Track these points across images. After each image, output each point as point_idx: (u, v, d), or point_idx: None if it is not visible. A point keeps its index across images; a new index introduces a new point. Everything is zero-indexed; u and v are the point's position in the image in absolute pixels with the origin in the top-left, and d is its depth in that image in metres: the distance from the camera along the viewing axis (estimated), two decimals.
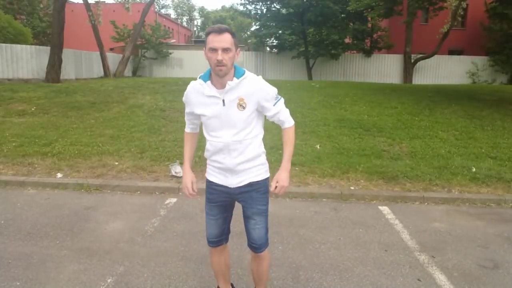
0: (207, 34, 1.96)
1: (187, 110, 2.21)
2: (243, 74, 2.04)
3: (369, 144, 6.78)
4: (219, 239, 2.32)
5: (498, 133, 7.69)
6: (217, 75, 1.98)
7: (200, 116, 2.13)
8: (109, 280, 2.85)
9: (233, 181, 2.14)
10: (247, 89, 2.03)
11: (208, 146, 2.15)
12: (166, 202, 4.52)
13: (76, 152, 6.07)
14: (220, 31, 1.92)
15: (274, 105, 2.10)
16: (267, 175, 2.23)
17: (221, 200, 2.23)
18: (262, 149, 2.18)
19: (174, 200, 4.60)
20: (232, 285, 2.61)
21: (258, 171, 2.17)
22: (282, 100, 2.15)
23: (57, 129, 7.34)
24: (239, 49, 2.04)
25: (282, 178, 2.13)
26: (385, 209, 4.49)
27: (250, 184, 2.16)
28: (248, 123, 2.07)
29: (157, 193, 4.87)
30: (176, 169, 5.27)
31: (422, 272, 3.08)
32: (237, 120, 2.04)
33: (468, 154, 6.39)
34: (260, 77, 2.10)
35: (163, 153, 6.07)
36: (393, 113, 8.97)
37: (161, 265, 3.09)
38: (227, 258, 2.46)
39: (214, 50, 1.92)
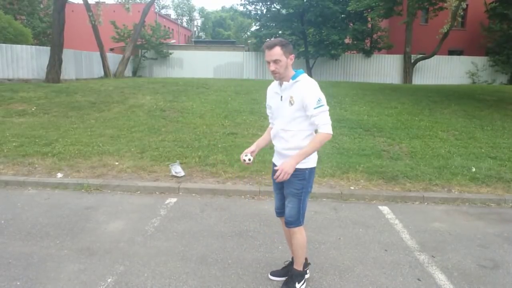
0: (263, 48, 2.49)
1: (267, 101, 2.74)
2: (297, 77, 2.49)
3: (369, 144, 6.79)
4: (281, 210, 2.76)
5: (498, 133, 7.70)
6: (281, 85, 2.54)
7: (270, 106, 2.68)
8: (109, 280, 2.85)
9: (280, 163, 2.51)
10: (296, 90, 2.47)
11: (272, 129, 2.68)
12: (166, 202, 4.53)
13: (76, 152, 6.07)
14: (270, 47, 2.43)
15: (314, 108, 2.41)
16: (308, 166, 2.55)
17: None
18: (306, 142, 2.48)
19: (174, 200, 4.61)
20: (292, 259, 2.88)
21: None
22: (326, 107, 2.43)
23: (57, 129, 7.34)
24: (292, 55, 2.50)
25: (285, 163, 2.41)
26: (385, 209, 4.49)
27: None
28: (294, 118, 2.48)
29: (157, 193, 4.87)
30: (176, 169, 5.27)
31: (422, 272, 3.08)
32: (287, 113, 2.51)
33: (468, 154, 6.40)
34: (312, 81, 2.48)
35: (163, 153, 6.07)
36: (393, 113, 8.97)
37: (161, 265, 3.09)
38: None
39: (267, 62, 2.47)
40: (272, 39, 2.52)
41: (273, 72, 2.46)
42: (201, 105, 9.46)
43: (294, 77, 2.50)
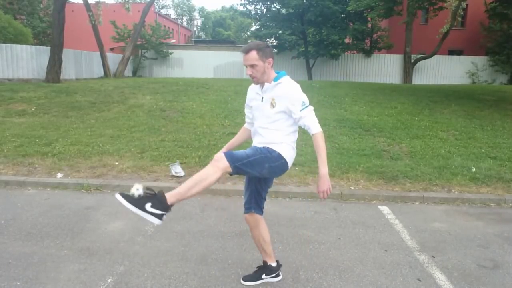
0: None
1: (246, 102, 2.76)
2: (279, 79, 2.49)
3: (369, 144, 6.79)
4: (248, 206, 2.77)
5: (498, 133, 7.70)
6: (262, 87, 2.54)
7: (251, 106, 2.68)
8: (109, 280, 2.85)
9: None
10: (279, 92, 2.47)
11: (251, 129, 2.71)
12: None
13: (76, 152, 6.07)
14: (246, 51, 2.46)
15: (300, 110, 2.42)
16: (280, 151, 2.47)
17: None
18: (282, 140, 2.49)
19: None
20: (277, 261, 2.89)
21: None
22: (310, 108, 2.47)
23: (57, 129, 7.34)
24: (270, 59, 2.48)
25: (322, 179, 2.42)
26: (385, 209, 4.50)
27: None
28: (275, 120, 2.48)
29: None
30: (176, 169, 5.27)
31: (422, 272, 3.08)
32: (267, 114, 2.50)
33: (468, 154, 6.40)
34: (294, 83, 2.48)
35: (163, 153, 6.07)
36: (393, 113, 8.97)
37: (161, 265, 3.09)
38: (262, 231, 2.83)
39: (245, 66, 2.50)
40: (250, 42, 2.58)
41: (250, 76, 2.50)
42: (201, 105, 9.46)
43: (276, 79, 2.50)
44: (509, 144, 6.96)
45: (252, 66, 2.45)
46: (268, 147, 2.46)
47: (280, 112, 2.46)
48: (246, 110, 2.78)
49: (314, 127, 2.43)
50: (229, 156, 2.31)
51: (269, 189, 2.84)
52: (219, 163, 2.27)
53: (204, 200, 4.66)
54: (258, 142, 2.56)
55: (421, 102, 10.24)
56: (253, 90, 2.66)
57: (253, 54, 2.43)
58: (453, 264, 3.21)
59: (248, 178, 2.71)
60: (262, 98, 2.54)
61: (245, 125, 2.86)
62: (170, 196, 2.25)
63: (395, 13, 19.98)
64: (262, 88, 2.53)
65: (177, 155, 5.98)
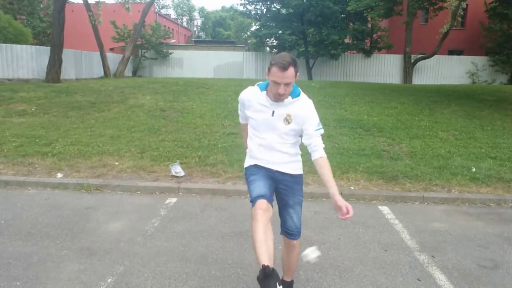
0: (272, 64, 2.13)
1: (240, 107, 2.51)
2: (298, 96, 2.28)
3: (369, 144, 6.79)
4: (269, 198, 2.44)
5: (498, 133, 7.70)
6: (275, 100, 2.25)
7: (250, 118, 2.38)
8: (109, 280, 2.85)
9: (275, 167, 2.38)
10: (297, 110, 2.27)
11: (252, 143, 2.40)
12: (166, 202, 4.53)
13: (77, 152, 6.07)
14: (285, 68, 2.09)
15: (315, 130, 2.29)
16: (300, 171, 2.44)
17: (256, 169, 2.45)
18: (298, 150, 2.44)
19: (174, 200, 4.61)
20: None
21: (293, 165, 2.42)
22: (322, 131, 2.34)
23: (57, 129, 7.34)
24: (298, 72, 2.20)
25: (341, 201, 2.16)
26: (385, 209, 4.50)
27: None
28: (288, 134, 2.32)
29: (157, 193, 4.87)
30: (176, 169, 5.27)
31: (422, 272, 3.08)
32: (281, 129, 2.30)
33: (468, 154, 6.40)
34: (310, 102, 2.32)
35: (163, 153, 6.07)
36: (393, 113, 8.97)
37: (161, 265, 3.09)
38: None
39: (277, 83, 2.13)
40: (283, 54, 2.16)
41: (281, 95, 2.17)
42: (201, 105, 9.46)
43: (293, 95, 2.27)
44: (509, 144, 6.96)
45: (288, 84, 2.14)
46: (300, 184, 2.43)
47: (294, 129, 2.30)
48: (241, 116, 2.57)
49: (322, 150, 2.29)
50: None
51: None
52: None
53: (204, 200, 4.66)
54: (280, 159, 2.35)
55: (421, 102, 10.24)
56: (254, 98, 2.33)
57: (292, 71, 2.11)
58: (453, 264, 3.21)
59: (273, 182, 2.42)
60: (273, 112, 2.27)
61: (243, 121, 2.61)
62: (291, 276, 2.64)
63: (395, 13, 19.98)
64: (273, 101, 2.26)
65: (177, 155, 5.98)
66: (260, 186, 2.27)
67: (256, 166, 2.40)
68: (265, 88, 2.31)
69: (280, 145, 2.34)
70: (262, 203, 2.15)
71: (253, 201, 2.22)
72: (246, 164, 2.49)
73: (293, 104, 2.26)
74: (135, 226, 3.83)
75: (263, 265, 1.92)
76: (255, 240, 2.03)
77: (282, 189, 2.40)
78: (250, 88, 2.39)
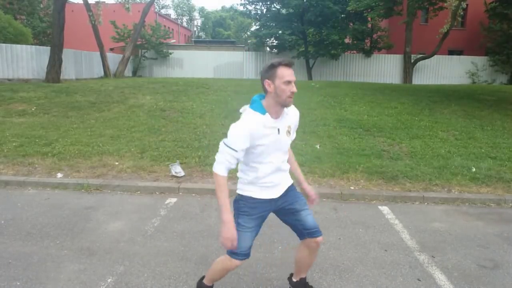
0: (276, 66, 2.08)
1: (242, 147, 2.10)
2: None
3: (369, 144, 6.79)
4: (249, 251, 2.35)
5: (498, 133, 7.70)
6: (285, 105, 2.13)
7: (256, 146, 2.14)
8: (109, 280, 2.85)
9: (278, 192, 2.33)
10: (292, 118, 2.27)
11: (260, 171, 2.22)
12: (166, 202, 4.53)
13: (77, 152, 6.07)
14: (291, 65, 2.11)
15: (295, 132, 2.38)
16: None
17: (255, 211, 2.31)
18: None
19: (174, 200, 4.61)
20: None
21: (289, 176, 2.45)
22: None
23: (57, 129, 7.34)
24: None
25: (310, 187, 2.52)
26: (385, 209, 4.49)
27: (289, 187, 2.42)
28: (288, 146, 2.31)
29: (157, 193, 4.87)
30: (176, 169, 5.27)
31: (422, 272, 3.08)
32: (285, 144, 2.26)
33: (468, 154, 6.40)
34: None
35: (163, 153, 6.07)
36: (393, 113, 8.97)
37: (161, 265, 3.09)
38: None
39: (289, 82, 2.07)
40: (276, 59, 2.13)
41: (292, 95, 2.09)
42: (201, 105, 9.46)
43: None
44: (509, 144, 6.96)
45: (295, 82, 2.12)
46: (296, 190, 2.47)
47: (291, 139, 2.31)
48: (238, 155, 2.12)
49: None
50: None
51: None
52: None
53: (204, 200, 4.66)
54: (284, 178, 2.34)
55: (421, 102, 10.24)
56: (261, 125, 2.11)
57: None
58: (453, 264, 3.21)
59: (263, 218, 2.39)
60: (279, 129, 2.17)
61: (226, 173, 2.18)
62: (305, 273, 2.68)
63: (395, 13, 19.99)
64: (277, 117, 2.16)
65: (177, 155, 5.98)
66: (250, 239, 2.27)
67: (254, 202, 2.27)
68: (263, 109, 2.13)
69: (284, 164, 2.32)
70: (242, 262, 2.30)
71: (238, 254, 2.24)
72: (244, 192, 2.29)
73: (288, 113, 2.21)
74: (135, 226, 3.83)
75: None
76: (220, 273, 2.40)
77: (286, 203, 2.37)
78: (249, 118, 2.11)
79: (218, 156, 2.17)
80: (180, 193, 4.86)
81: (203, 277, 2.56)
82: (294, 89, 2.08)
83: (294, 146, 6.71)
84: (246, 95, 10.92)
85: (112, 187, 4.95)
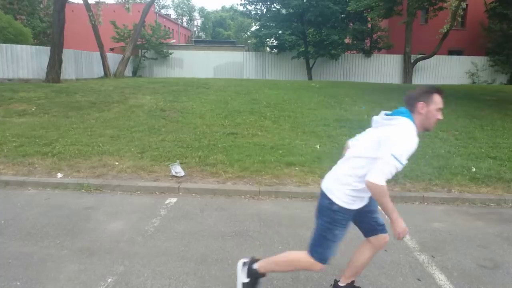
0: (434, 92, 2.23)
1: (407, 156, 2.13)
2: None
3: None
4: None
5: (498, 133, 7.70)
6: (429, 129, 2.29)
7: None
8: (109, 280, 2.85)
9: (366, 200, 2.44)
10: None
11: (363, 183, 2.21)
12: (166, 202, 4.53)
13: (77, 152, 6.07)
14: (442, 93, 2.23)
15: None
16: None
17: (349, 221, 2.41)
18: None
19: (174, 200, 4.61)
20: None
21: None
22: None
23: (57, 129, 7.35)
24: None
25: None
26: None
27: None
28: None
29: (157, 193, 4.87)
30: (176, 169, 5.27)
31: (422, 272, 3.08)
32: None
33: (468, 154, 6.40)
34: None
35: (163, 153, 6.07)
36: None
37: (161, 265, 3.09)
38: None
39: (440, 110, 2.22)
40: (438, 86, 2.31)
41: (436, 123, 2.25)
42: (201, 105, 9.46)
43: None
44: (509, 144, 6.96)
45: None
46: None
47: None
48: (401, 168, 2.15)
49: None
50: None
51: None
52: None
53: (204, 200, 4.66)
54: None
55: None
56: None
57: None
58: (453, 264, 3.21)
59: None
60: None
61: (385, 183, 2.18)
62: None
63: (395, 13, 19.98)
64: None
65: (177, 155, 5.98)
66: (336, 248, 2.39)
67: (351, 215, 2.36)
68: (414, 123, 2.26)
69: None
70: (324, 268, 2.40)
71: (323, 259, 2.35)
72: (346, 205, 2.30)
73: None
74: (135, 226, 3.83)
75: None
76: (290, 268, 2.54)
77: (365, 206, 2.46)
78: (411, 130, 2.21)
79: (382, 167, 2.08)
80: (180, 193, 4.86)
81: (252, 261, 2.53)
82: (441, 117, 2.23)
83: (294, 146, 6.69)
84: (246, 95, 10.92)
85: (112, 187, 4.95)
